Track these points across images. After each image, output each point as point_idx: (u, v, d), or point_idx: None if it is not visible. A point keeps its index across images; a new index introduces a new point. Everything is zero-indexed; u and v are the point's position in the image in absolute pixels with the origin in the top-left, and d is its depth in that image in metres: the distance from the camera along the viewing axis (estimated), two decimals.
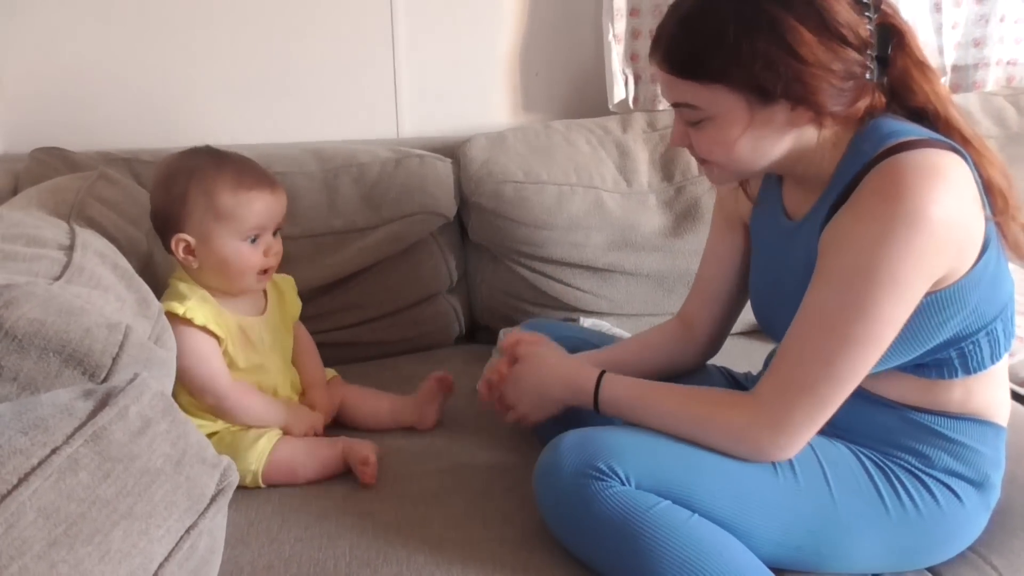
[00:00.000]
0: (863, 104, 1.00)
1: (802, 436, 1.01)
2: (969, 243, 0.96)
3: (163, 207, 1.26)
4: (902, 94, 1.02)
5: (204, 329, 1.23)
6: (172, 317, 1.19)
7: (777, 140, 1.01)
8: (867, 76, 0.98)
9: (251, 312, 1.34)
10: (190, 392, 1.25)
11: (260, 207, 1.25)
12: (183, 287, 1.26)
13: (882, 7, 0.99)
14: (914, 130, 0.98)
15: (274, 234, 1.30)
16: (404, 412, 1.40)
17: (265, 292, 1.38)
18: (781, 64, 0.94)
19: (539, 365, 1.24)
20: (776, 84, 0.95)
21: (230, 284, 1.29)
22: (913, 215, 0.90)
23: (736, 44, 0.95)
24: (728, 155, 1.03)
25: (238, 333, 1.29)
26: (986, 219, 0.97)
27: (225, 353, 1.27)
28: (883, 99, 1.02)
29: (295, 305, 1.43)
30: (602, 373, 1.16)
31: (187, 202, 1.23)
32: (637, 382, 1.15)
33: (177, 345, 1.15)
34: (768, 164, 1.05)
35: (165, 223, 1.26)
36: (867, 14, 0.97)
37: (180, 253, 1.25)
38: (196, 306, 1.23)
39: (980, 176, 0.98)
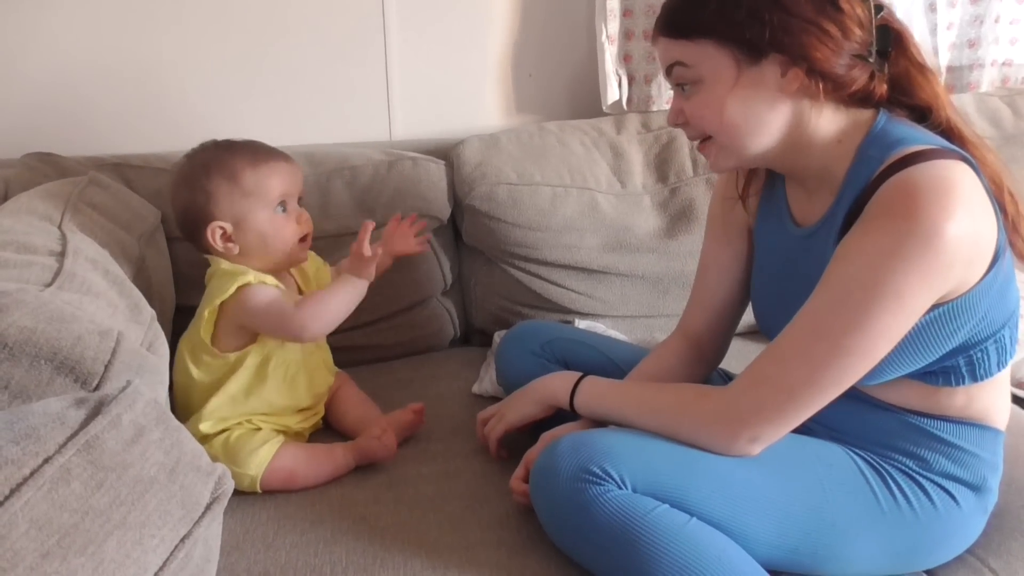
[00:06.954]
0: (861, 81, 0.98)
1: (768, 434, 1.00)
2: (979, 256, 0.94)
3: (189, 206, 1.28)
4: (904, 93, 1.02)
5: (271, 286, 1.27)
6: (245, 288, 1.23)
7: (769, 107, 1.00)
8: (868, 58, 0.98)
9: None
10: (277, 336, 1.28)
11: (280, 176, 1.29)
12: (227, 266, 1.27)
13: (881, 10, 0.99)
14: (921, 137, 0.97)
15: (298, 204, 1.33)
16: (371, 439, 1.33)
17: (297, 285, 1.40)
18: (765, 12, 0.94)
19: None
20: (762, 35, 0.95)
21: (274, 258, 1.30)
22: (926, 233, 0.88)
23: None
24: (719, 119, 1.01)
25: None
26: (998, 228, 0.96)
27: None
28: (884, 88, 1.00)
29: (326, 276, 1.46)
30: (583, 375, 1.19)
31: (211, 191, 1.26)
32: (613, 380, 1.18)
33: (255, 306, 1.22)
34: (765, 141, 1.02)
35: (196, 220, 1.28)
36: (870, 11, 0.98)
37: (219, 242, 1.27)
38: (255, 273, 1.26)
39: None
